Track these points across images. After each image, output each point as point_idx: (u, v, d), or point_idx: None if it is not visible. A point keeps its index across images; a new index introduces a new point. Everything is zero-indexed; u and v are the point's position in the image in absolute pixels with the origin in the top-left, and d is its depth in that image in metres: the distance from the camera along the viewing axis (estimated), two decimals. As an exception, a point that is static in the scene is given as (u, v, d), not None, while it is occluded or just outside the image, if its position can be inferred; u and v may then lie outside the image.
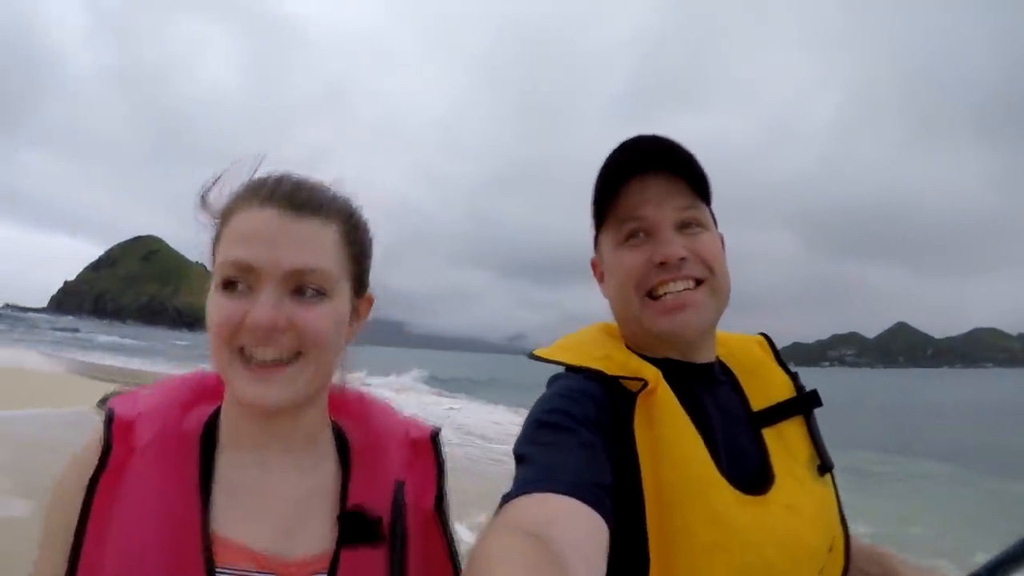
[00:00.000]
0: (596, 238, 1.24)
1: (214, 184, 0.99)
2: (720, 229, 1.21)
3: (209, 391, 1.03)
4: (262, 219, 0.90)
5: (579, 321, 1.32)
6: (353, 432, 1.06)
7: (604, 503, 0.87)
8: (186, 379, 1.04)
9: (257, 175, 0.97)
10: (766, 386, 1.21)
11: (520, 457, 0.97)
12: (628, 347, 1.17)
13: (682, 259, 1.10)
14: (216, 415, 0.99)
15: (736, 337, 1.32)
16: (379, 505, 0.97)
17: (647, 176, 1.13)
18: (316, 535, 0.94)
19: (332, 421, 1.07)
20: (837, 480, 1.18)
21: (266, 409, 0.90)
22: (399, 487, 0.98)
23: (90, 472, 0.88)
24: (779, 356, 1.29)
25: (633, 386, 1.06)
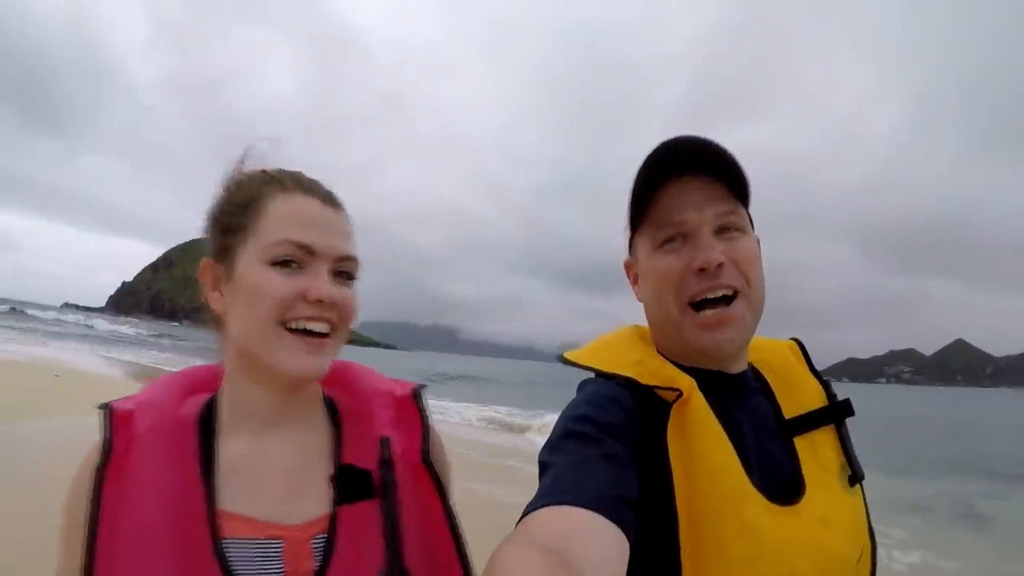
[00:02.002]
0: (631, 240, 1.21)
1: (241, 165, 1.08)
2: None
3: (201, 383, 1.10)
4: (314, 207, 1.00)
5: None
6: (341, 398, 1.12)
7: (626, 517, 0.85)
8: (180, 373, 1.11)
9: (275, 165, 1.07)
10: (798, 394, 1.18)
11: (544, 466, 0.95)
12: (660, 352, 1.14)
13: (720, 265, 1.06)
14: (211, 403, 1.05)
15: (769, 342, 1.28)
16: (368, 461, 1.02)
17: (685, 178, 1.09)
18: (315, 498, 0.99)
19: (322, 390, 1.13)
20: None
21: (311, 378, 0.99)
22: (384, 442, 1.04)
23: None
24: (811, 363, 1.26)
25: (668, 396, 1.04)
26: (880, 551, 1.19)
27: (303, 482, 1.00)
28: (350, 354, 1.10)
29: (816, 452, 1.11)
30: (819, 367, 1.25)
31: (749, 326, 1.10)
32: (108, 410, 0.97)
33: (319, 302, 0.95)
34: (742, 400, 1.11)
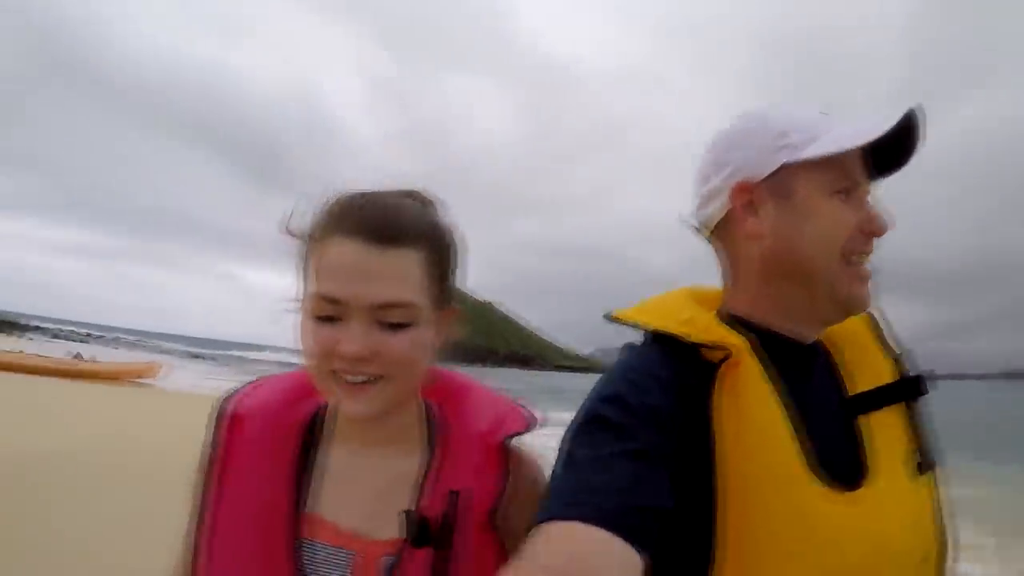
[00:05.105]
0: (780, 166, 1.02)
1: (295, 213, 1.05)
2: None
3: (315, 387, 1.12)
4: (348, 252, 0.94)
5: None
6: (447, 420, 1.11)
7: (645, 533, 0.79)
8: (296, 376, 1.13)
9: (343, 196, 1.02)
10: (866, 369, 1.08)
11: (563, 455, 0.90)
12: (732, 314, 1.06)
13: None
14: (322, 409, 1.11)
15: None
16: (439, 507, 1.00)
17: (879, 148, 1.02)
18: (394, 522, 0.99)
19: (433, 406, 1.13)
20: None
21: (364, 420, 1.01)
22: (453, 497, 1.01)
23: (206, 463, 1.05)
24: (884, 337, 1.14)
25: (715, 356, 0.96)
26: None
27: (387, 503, 1.02)
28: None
29: (881, 434, 1.02)
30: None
31: None
32: (220, 412, 1.07)
33: (344, 359, 0.95)
34: (807, 371, 1.04)
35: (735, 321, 1.03)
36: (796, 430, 0.93)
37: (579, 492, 0.82)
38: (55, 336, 73.69)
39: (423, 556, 0.97)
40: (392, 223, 0.96)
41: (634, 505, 0.80)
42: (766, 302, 1.05)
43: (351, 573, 0.98)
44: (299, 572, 0.97)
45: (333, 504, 1.02)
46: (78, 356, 28.02)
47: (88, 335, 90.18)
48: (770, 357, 0.98)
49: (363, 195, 1.01)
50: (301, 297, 1.01)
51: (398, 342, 0.95)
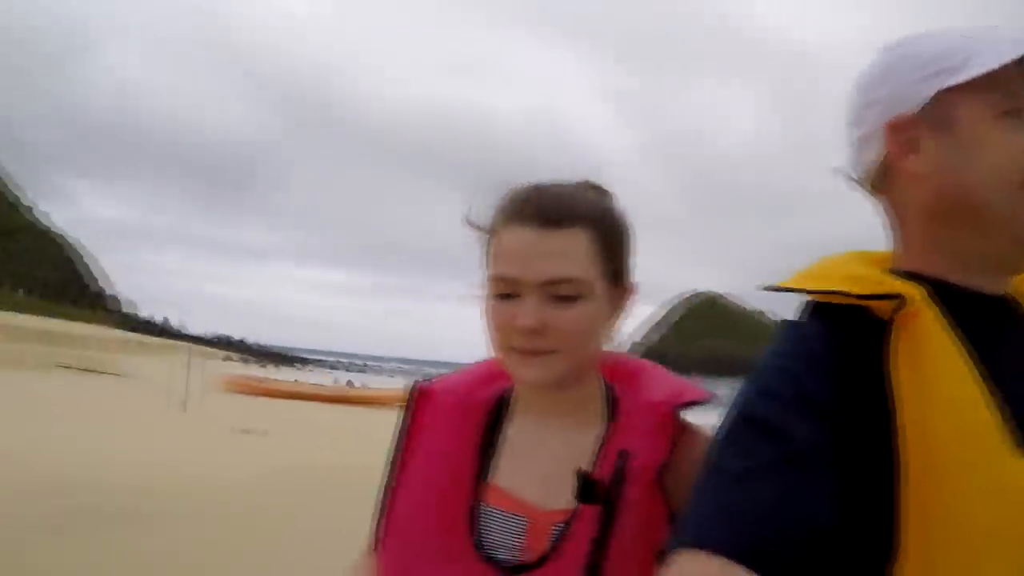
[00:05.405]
0: (934, 94, 0.86)
1: (474, 209, 1.13)
2: None
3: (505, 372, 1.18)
4: (520, 237, 1.02)
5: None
6: (625, 398, 1.11)
7: (791, 565, 0.66)
8: (487, 362, 1.20)
9: (518, 188, 1.08)
10: None
11: (708, 467, 0.76)
12: (902, 271, 0.88)
13: None
14: (509, 389, 1.16)
15: None
16: (608, 469, 1.00)
17: None
18: (568, 492, 1.01)
19: (612, 386, 1.13)
20: None
21: (539, 386, 1.06)
22: (622, 456, 1.01)
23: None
24: None
25: (886, 310, 0.79)
26: None
27: (563, 474, 1.02)
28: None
29: None
30: None
31: None
32: (412, 388, 1.15)
33: (521, 332, 1.00)
34: (998, 328, 0.86)
35: (908, 277, 0.85)
36: (991, 392, 0.76)
37: (715, 516, 0.71)
38: (332, 368, 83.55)
39: (592, 518, 0.97)
40: (560, 207, 1.03)
41: (781, 529, 0.68)
42: (939, 253, 0.88)
43: (524, 538, 1.01)
44: (474, 535, 1.01)
45: (511, 474, 1.06)
46: (349, 384, 32.34)
47: (365, 366, 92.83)
48: (952, 312, 0.81)
49: (536, 186, 1.07)
50: (484, 284, 1.07)
51: (569, 315, 1.01)
